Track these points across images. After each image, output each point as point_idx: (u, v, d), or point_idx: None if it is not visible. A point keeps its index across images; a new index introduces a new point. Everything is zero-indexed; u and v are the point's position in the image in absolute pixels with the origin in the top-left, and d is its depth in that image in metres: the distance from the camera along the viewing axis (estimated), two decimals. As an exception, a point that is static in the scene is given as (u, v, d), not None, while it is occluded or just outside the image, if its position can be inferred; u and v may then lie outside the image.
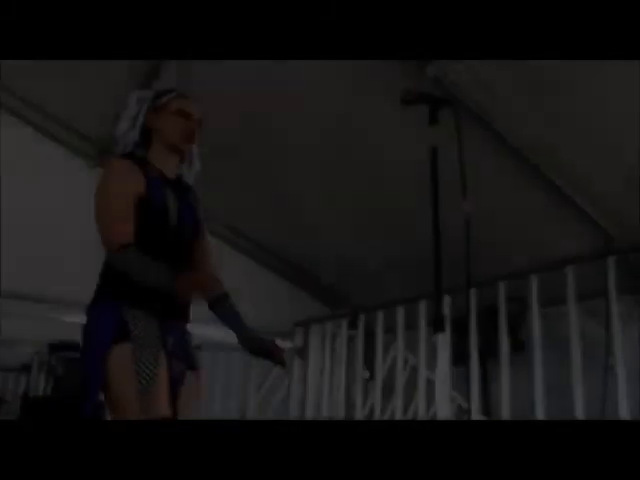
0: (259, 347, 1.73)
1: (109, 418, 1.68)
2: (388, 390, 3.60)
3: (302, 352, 3.75)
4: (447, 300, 2.89)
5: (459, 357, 3.04)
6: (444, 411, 2.97)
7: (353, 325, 3.69)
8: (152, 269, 1.64)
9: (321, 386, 3.62)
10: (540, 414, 2.68)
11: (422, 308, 3.18)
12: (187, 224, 1.80)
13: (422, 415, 3.16)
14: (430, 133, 1.56)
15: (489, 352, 3.51)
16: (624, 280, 3.75)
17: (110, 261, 1.68)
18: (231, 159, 3.91)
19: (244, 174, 4.24)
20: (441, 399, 2.95)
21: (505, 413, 2.78)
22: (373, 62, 3.25)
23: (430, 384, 3.20)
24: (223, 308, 1.75)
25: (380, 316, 3.45)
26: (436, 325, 1.52)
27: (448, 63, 3.18)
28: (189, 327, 1.79)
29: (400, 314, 3.32)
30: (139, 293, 1.64)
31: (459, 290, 2.47)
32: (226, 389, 3.85)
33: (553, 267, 2.81)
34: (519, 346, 4.27)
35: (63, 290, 4.17)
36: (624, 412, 2.47)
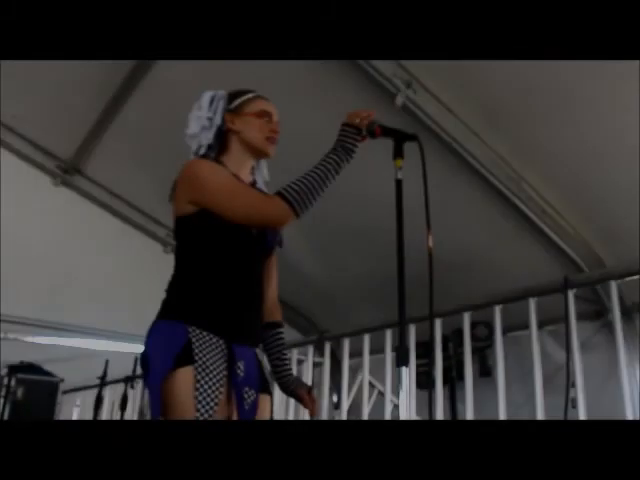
0: (293, 390, 1.72)
1: None
2: (355, 416, 3.58)
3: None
4: (412, 329, 2.90)
5: (431, 380, 3.02)
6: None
7: (319, 351, 3.68)
8: (310, 177, 1.56)
9: (287, 412, 3.58)
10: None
11: (388, 336, 3.19)
12: (267, 234, 1.67)
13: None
14: (395, 167, 1.58)
15: (459, 375, 3.52)
16: (588, 305, 3.83)
17: (297, 216, 1.55)
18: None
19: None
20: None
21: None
22: (342, 94, 3.29)
23: (397, 410, 3.17)
24: (270, 335, 1.74)
25: (346, 343, 3.44)
26: (399, 359, 1.52)
27: (415, 92, 3.23)
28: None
29: (366, 342, 3.32)
30: (209, 315, 1.54)
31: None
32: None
33: (515, 298, 2.86)
34: (487, 371, 4.30)
35: (24, 309, 4.06)
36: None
